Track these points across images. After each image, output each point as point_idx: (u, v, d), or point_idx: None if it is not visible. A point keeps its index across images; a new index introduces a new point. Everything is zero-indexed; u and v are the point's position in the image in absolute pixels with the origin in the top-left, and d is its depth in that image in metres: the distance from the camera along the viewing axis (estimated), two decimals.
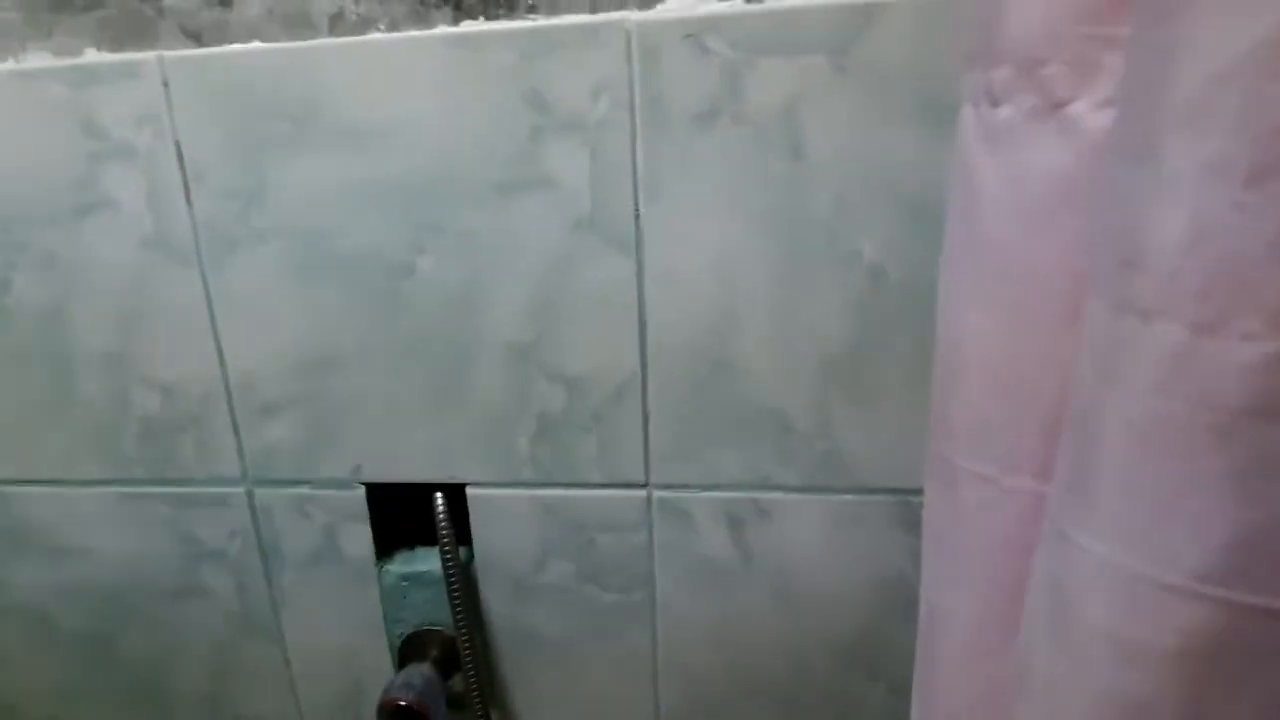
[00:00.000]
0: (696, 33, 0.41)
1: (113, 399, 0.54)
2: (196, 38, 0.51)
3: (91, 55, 0.50)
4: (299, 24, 0.50)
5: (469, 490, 0.53)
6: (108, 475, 0.57)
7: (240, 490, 0.56)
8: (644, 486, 0.52)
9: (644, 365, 0.49)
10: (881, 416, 0.48)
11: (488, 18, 0.48)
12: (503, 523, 0.54)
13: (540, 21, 0.45)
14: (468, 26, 0.47)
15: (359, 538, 0.55)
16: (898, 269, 0.44)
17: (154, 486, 0.57)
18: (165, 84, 0.47)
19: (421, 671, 0.54)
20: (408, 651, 0.56)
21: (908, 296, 0.45)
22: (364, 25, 0.50)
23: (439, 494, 0.52)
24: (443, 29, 0.47)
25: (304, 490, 0.55)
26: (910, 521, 0.50)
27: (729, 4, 0.43)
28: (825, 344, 0.46)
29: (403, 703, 0.51)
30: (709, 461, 0.50)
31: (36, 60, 0.50)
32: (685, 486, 0.51)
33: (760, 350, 0.47)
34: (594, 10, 0.47)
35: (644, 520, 0.52)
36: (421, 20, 0.49)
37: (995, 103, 0.26)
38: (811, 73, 0.41)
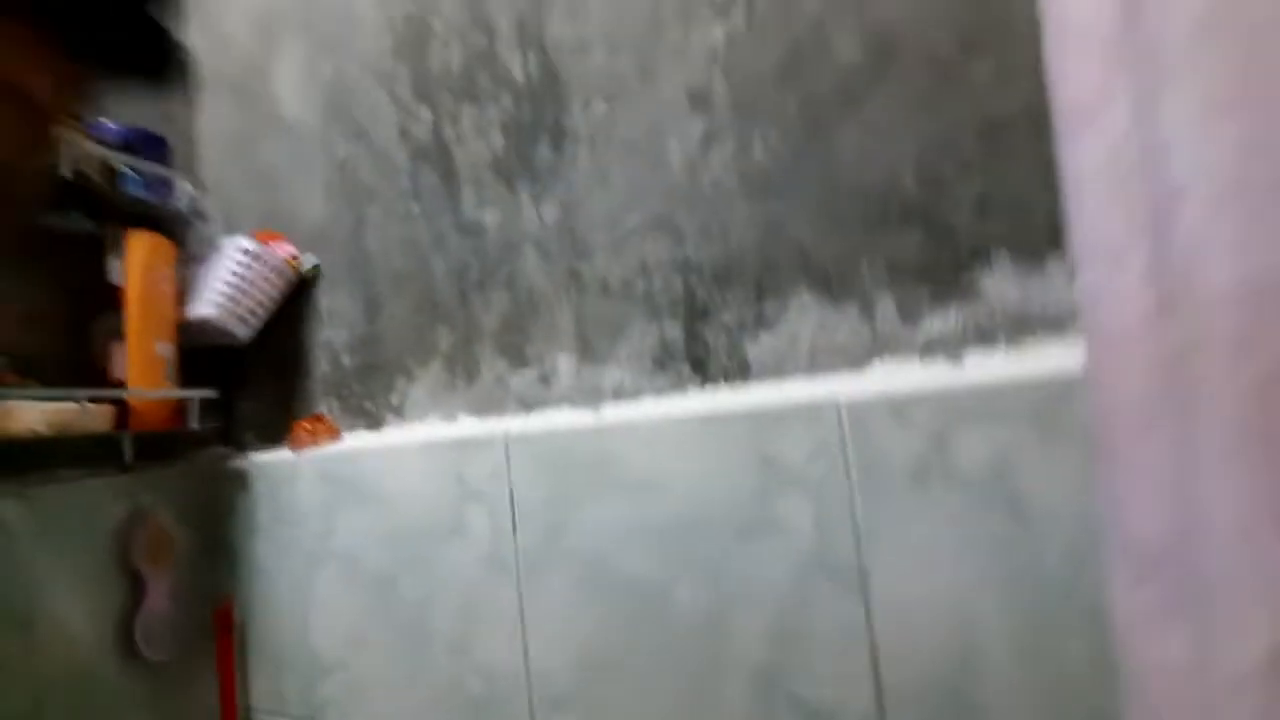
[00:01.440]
0: (900, 408, 0.49)
1: (450, 680, 0.70)
2: (529, 407, 0.72)
3: (465, 422, 0.74)
4: (593, 394, 0.68)
5: None
6: None
7: None
8: None
9: (880, 698, 0.50)
10: None
11: (727, 382, 0.62)
12: None
13: (768, 394, 0.57)
14: (712, 399, 0.60)
15: None
16: None
17: None
18: (507, 448, 0.68)
19: None
20: None
21: None
22: (637, 393, 0.67)
23: None
24: (695, 402, 0.61)
25: None
26: None
27: (929, 375, 0.50)
28: (1076, 693, 0.44)
29: None
30: None
31: (430, 427, 0.76)
32: None
33: (1004, 693, 0.46)
34: (811, 369, 0.58)
35: None
36: (678, 388, 0.64)
37: None
38: (1019, 437, 0.45)
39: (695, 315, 0.63)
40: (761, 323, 0.60)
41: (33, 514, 0.71)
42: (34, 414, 0.65)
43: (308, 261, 0.85)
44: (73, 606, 0.75)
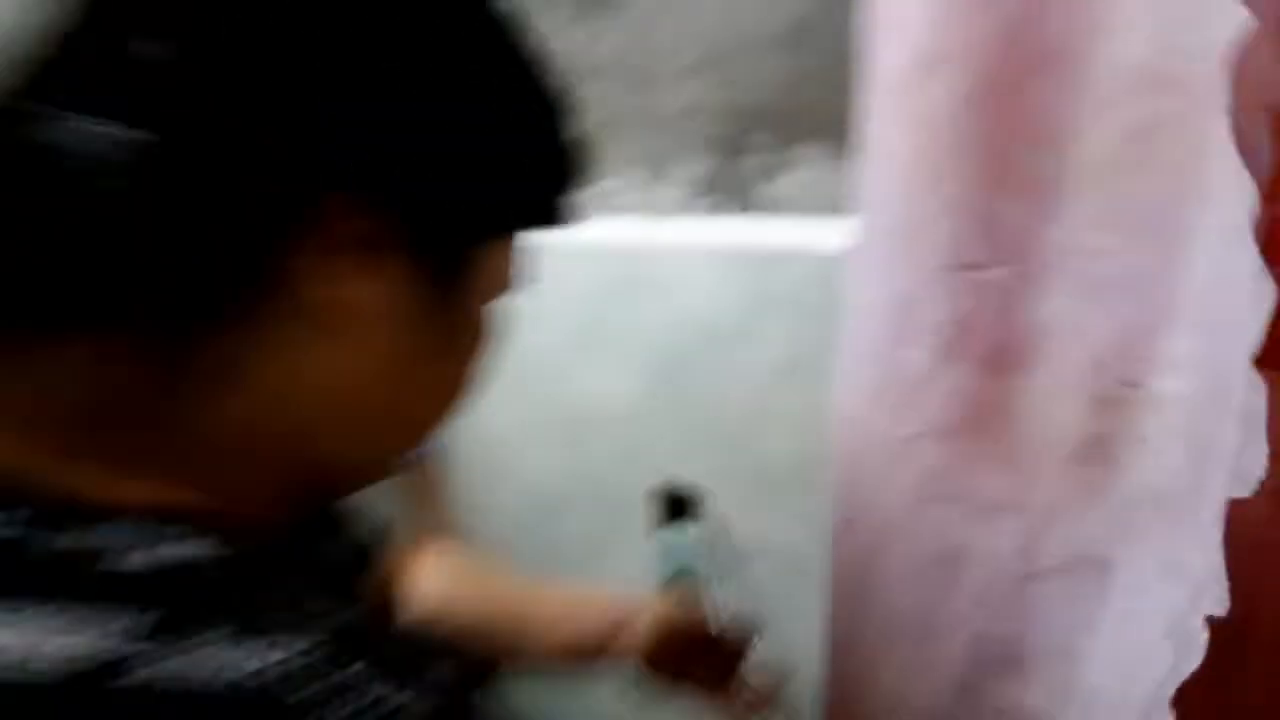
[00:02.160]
0: None
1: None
2: (601, 211, 0.88)
3: None
4: (648, 208, 0.83)
5: None
6: None
7: None
8: None
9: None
10: None
11: (745, 213, 0.74)
12: None
13: (774, 226, 0.70)
14: (733, 225, 0.74)
15: None
16: None
17: None
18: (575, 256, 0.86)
19: None
20: None
21: None
22: (681, 212, 0.81)
23: None
24: (720, 226, 0.75)
25: None
26: None
27: None
28: None
29: None
30: None
31: None
32: None
33: None
34: (813, 212, 0.69)
35: None
36: (711, 212, 0.78)
37: None
38: None
39: (733, 153, 0.74)
40: (782, 167, 0.70)
41: None
42: None
43: None
44: None
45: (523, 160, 0.25)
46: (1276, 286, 0.22)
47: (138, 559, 0.20)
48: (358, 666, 0.21)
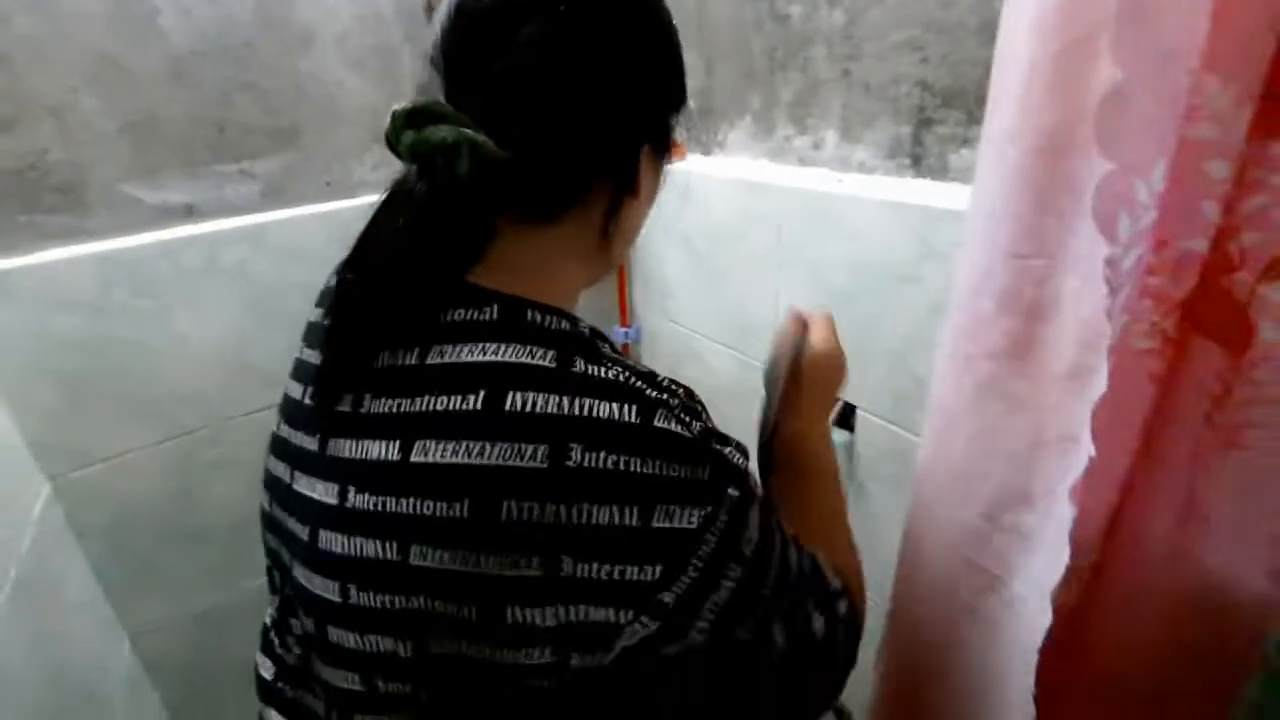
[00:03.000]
0: None
1: (729, 313, 1.24)
2: (803, 163, 1.07)
3: (760, 164, 1.13)
4: (843, 164, 1.01)
5: None
6: None
7: None
8: None
9: None
10: None
11: (930, 179, 0.90)
12: None
13: (951, 192, 0.85)
14: (915, 187, 0.90)
15: None
16: None
17: None
18: (779, 193, 1.06)
19: None
20: None
21: None
22: (872, 170, 0.97)
23: None
24: (903, 186, 0.91)
25: None
26: None
27: None
28: None
29: None
30: None
31: (738, 162, 1.16)
32: None
33: None
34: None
35: None
36: (897, 174, 0.94)
37: None
38: None
39: (922, 124, 0.89)
40: (965, 141, 0.85)
41: None
42: None
43: None
44: None
45: (672, 118, 0.53)
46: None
47: (548, 321, 0.45)
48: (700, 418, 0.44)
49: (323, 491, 0.44)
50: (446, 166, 0.41)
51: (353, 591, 0.42)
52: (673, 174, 1.22)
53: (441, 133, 0.41)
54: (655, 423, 0.40)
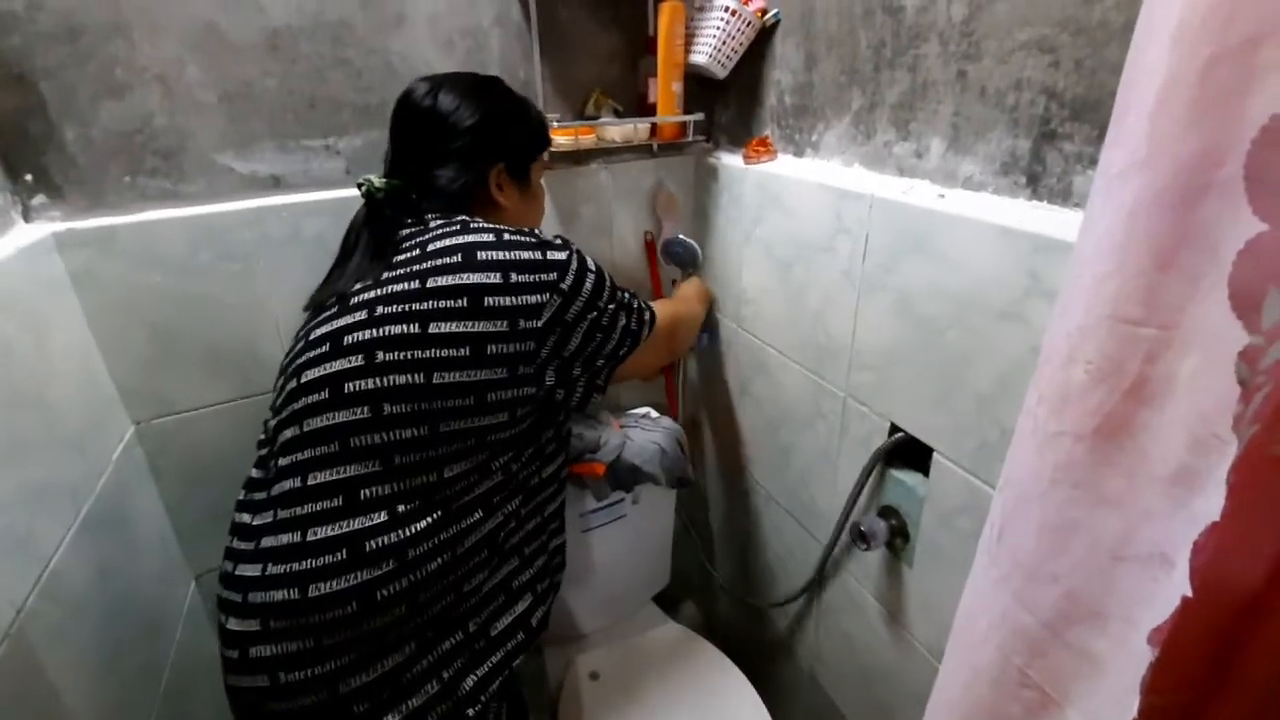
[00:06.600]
0: None
1: (808, 331, 1.15)
2: (902, 172, 0.96)
3: (856, 170, 1.03)
4: (948, 177, 0.89)
5: None
6: None
7: None
8: None
9: None
10: None
11: (1048, 202, 0.77)
12: None
13: (1068, 221, 0.73)
14: (1030, 212, 0.77)
15: None
16: None
17: None
18: (871, 204, 0.96)
19: None
20: None
21: None
22: (980, 187, 0.85)
23: None
24: (1016, 210, 0.79)
25: None
26: None
27: None
28: None
29: None
30: None
31: (833, 167, 1.06)
32: None
33: None
34: None
35: None
36: (1010, 193, 0.81)
37: None
38: None
39: (1045, 137, 0.76)
40: (1094, 162, 0.71)
41: (614, 178, 1.29)
42: (616, 131, 1.17)
43: (772, 14, 1.12)
44: (627, 228, 1.37)
45: (534, 139, 1.01)
46: None
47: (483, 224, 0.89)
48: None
49: (352, 313, 0.81)
50: (371, 194, 0.92)
51: (379, 354, 0.77)
52: (759, 176, 1.12)
53: (376, 183, 0.92)
54: (548, 251, 0.85)
